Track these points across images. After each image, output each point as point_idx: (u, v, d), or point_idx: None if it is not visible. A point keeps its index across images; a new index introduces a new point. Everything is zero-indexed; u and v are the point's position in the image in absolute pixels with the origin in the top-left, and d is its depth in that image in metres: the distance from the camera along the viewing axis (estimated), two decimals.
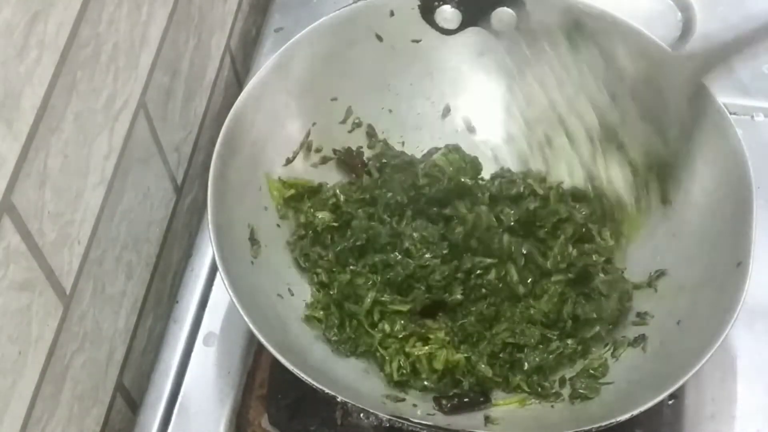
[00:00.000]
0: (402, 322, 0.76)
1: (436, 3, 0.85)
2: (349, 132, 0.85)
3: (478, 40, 0.86)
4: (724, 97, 0.77)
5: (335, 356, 0.75)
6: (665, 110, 0.77)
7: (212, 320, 0.82)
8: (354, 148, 0.85)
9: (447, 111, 0.88)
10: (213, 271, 0.85)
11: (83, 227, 0.68)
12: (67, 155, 0.64)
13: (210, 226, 0.72)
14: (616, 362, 0.74)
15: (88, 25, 0.65)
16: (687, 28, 0.98)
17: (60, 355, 0.66)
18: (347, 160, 0.85)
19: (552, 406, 0.73)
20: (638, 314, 0.76)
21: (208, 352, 0.81)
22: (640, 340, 0.74)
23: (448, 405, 0.72)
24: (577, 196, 0.82)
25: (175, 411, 0.78)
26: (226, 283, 0.70)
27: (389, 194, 0.80)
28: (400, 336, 0.76)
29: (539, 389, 0.74)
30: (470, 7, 0.85)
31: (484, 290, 0.77)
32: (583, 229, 0.80)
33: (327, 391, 0.66)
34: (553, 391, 0.74)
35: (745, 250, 0.71)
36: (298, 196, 0.81)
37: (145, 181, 0.79)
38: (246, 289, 0.72)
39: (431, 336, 0.76)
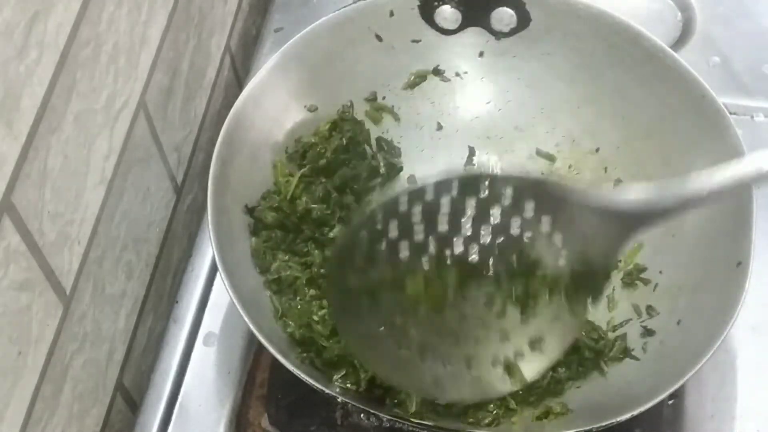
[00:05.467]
0: None
1: (436, 3, 0.85)
2: None
3: (478, 40, 0.86)
4: (724, 97, 0.77)
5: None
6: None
7: (212, 320, 0.82)
8: None
9: (447, 111, 0.88)
10: (213, 271, 0.85)
11: (83, 227, 0.68)
12: (67, 155, 0.64)
13: (210, 226, 0.72)
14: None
15: (88, 25, 0.64)
16: (687, 28, 0.98)
17: (60, 355, 0.66)
18: None
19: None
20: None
21: (208, 352, 0.81)
22: None
23: None
24: None
25: (175, 411, 0.78)
26: (226, 283, 0.70)
27: None
28: None
29: None
30: (470, 7, 0.85)
31: None
32: None
33: (327, 391, 0.66)
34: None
35: (745, 250, 0.71)
36: None
37: (145, 181, 0.79)
38: (246, 289, 0.72)
39: None
